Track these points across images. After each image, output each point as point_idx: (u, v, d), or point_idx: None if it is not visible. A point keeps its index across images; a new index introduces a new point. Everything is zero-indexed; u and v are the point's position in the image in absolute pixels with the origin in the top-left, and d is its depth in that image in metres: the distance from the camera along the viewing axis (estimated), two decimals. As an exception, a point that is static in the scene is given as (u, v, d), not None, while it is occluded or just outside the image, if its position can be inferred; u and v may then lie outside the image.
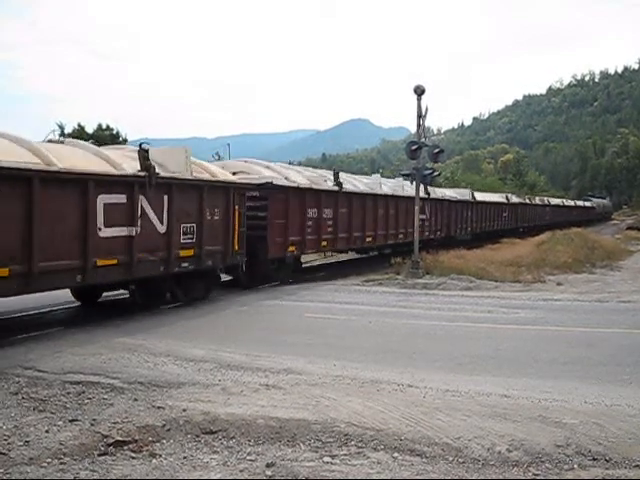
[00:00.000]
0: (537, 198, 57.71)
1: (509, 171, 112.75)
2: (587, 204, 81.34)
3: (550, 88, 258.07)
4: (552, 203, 61.67)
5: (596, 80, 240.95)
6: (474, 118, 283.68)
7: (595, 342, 11.22)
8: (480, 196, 40.01)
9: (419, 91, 21.25)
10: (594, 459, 5.83)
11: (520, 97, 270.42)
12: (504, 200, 45.15)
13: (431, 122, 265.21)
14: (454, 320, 13.48)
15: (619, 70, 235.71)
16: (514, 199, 47.92)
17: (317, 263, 25.81)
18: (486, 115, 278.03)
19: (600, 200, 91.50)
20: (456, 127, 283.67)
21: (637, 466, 5.66)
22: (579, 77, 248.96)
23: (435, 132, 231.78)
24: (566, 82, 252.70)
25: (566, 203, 70.22)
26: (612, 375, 8.94)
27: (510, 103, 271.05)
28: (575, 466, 5.69)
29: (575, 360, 9.89)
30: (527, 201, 51.86)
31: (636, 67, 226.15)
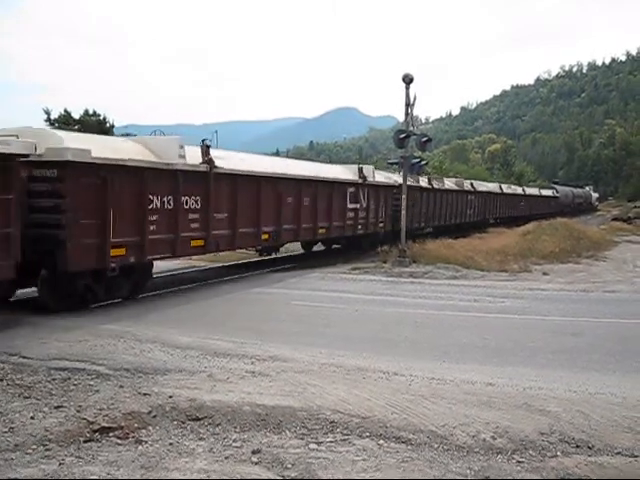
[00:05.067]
0: (448, 181, 37.68)
1: (496, 161, 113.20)
2: (545, 192, 63.64)
3: (538, 79, 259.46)
4: (480, 190, 41.57)
5: (584, 71, 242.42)
6: (462, 108, 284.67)
7: (580, 331, 11.28)
8: (272, 164, 20.37)
9: (407, 80, 21.27)
10: (577, 446, 5.88)
11: (508, 87, 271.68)
12: (354, 179, 24.21)
13: (419, 111, 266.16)
14: (440, 309, 13.52)
15: (607, 62, 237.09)
16: (387, 179, 28.44)
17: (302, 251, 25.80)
18: (474, 105, 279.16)
19: (567, 188, 73.69)
20: (444, 116, 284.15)
21: (619, 453, 5.73)
22: (567, 68, 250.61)
23: (423, 121, 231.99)
24: (554, 73, 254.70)
25: (507, 190, 49.41)
26: (597, 364, 9.01)
27: (498, 93, 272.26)
28: (558, 453, 5.74)
29: (560, 349, 9.94)
30: (428, 185, 32.00)
31: (623, 59, 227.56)
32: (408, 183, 27.17)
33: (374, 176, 25.81)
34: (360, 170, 23.72)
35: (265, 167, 19.00)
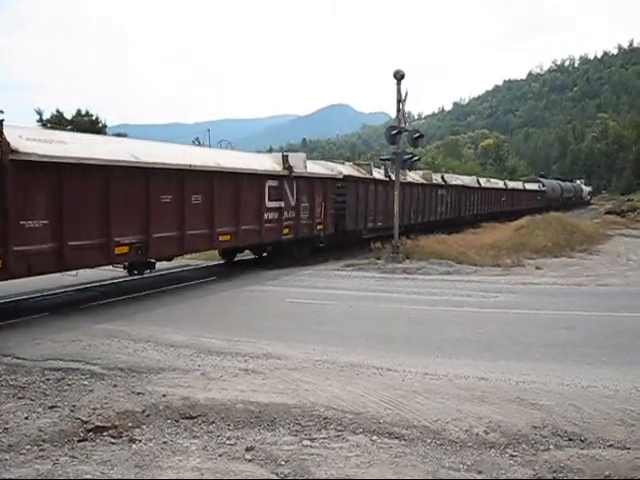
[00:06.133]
0: (413, 174, 32.00)
1: (489, 156, 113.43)
2: (530, 186, 59.11)
3: (530, 73, 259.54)
4: (453, 183, 36.92)
5: (576, 65, 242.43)
6: (454, 103, 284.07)
7: (573, 325, 11.31)
8: (135, 150, 14.61)
9: (399, 76, 21.27)
10: (569, 439, 5.92)
11: (500, 82, 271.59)
12: (276, 170, 19.44)
13: (412, 107, 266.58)
14: (434, 304, 13.55)
15: (598, 55, 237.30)
16: (330, 170, 23.57)
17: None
18: (466, 100, 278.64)
19: (555, 181, 69.21)
20: (436, 112, 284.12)
21: (611, 446, 5.76)
22: (559, 62, 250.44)
23: (416, 117, 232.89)
24: (546, 67, 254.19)
25: (486, 184, 44.53)
26: (589, 357, 9.04)
27: (490, 88, 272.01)
28: (551, 447, 5.77)
29: (553, 343, 9.97)
30: (384, 177, 26.02)
31: (615, 52, 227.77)
32: (357, 175, 24.91)
33: (305, 166, 20.70)
34: (285, 159, 19.40)
35: (125, 154, 13.76)
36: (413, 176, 31.52)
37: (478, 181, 42.94)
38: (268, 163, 19.47)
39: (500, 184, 49.51)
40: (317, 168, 22.49)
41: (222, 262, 21.37)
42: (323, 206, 21.98)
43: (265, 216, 18.70)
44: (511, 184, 53.42)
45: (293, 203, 20.05)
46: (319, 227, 21.95)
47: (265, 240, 19.35)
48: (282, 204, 19.28)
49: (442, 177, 36.15)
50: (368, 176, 25.79)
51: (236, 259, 21.65)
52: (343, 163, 26.54)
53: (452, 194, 36.64)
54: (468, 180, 41.47)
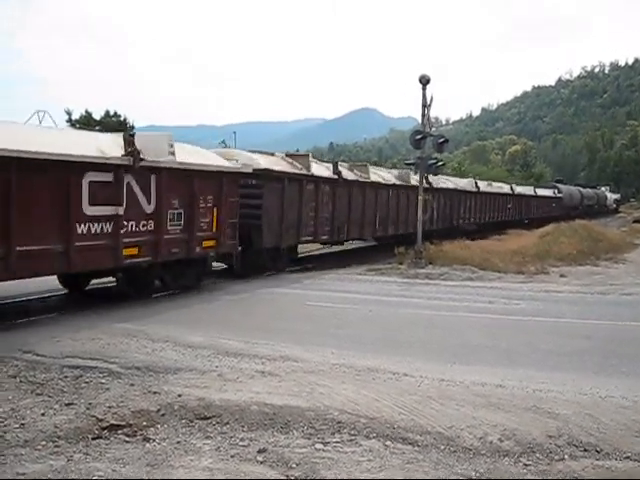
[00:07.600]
0: (384, 172, 27.85)
1: (517, 162, 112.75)
2: (543, 192, 52.98)
3: (559, 79, 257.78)
4: (440, 187, 31.30)
5: (606, 72, 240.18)
6: (483, 109, 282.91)
7: (594, 334, 11.19)
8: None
9: (424, 80, 21.23)
10: (585, 450, 5.84)
11: (529, 88, 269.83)
12: (107, 154, 12.31)
13: (440, 112, 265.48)
14: (454, 310, 13.48)
15: (629, 62, 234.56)
16: (233, 161, 16.66)
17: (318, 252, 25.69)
18: (495, 106, 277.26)
19: (574, 187, 64.37)
20: (464, 117, 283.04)
21: (627, 457, 5.68)
22: (589, 69, 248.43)
23: (444, 122, 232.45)
24: (576, 74, 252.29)
25: (486, 188, 39.38)
26: (609, 367, 8.92)
27: (519, 94, 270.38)
28: (566, 457, 5.71)
29: (573, 352, 9.87)
30: (332, 175, 21.61)
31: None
32: (284, 170, 18.96)
33: (172, 152, 13.70)
34: (129, 141, 12.90)
35: None
36: (384, 175, 26.25)
37: (476, 184, 37.29)
38: (95, 145, 12.59)
39: (506, 188, 43.72)
40: (202, 157, 15.60)
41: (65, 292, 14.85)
42: (215, 213, 15.40)
43: (81, 229, 11.89)
44: (519, 189, 47.18)
45: (150, 209, 13.51)
46: (207, 244, 15.34)
47: (81, 267, 12.36)
48: (120, 210, 12.66)
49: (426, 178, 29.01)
50: (304, 172, 19.91)
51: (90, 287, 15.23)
52: (273, 154, 20.43)
53: (440, 199, 30.95)
54: (463, 183, 36.27)
